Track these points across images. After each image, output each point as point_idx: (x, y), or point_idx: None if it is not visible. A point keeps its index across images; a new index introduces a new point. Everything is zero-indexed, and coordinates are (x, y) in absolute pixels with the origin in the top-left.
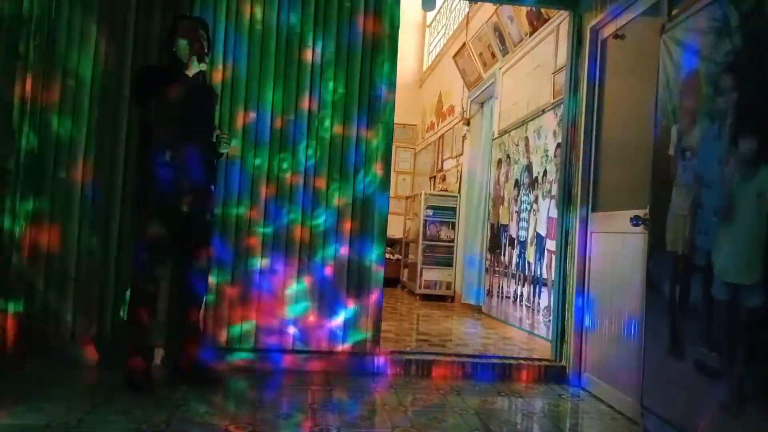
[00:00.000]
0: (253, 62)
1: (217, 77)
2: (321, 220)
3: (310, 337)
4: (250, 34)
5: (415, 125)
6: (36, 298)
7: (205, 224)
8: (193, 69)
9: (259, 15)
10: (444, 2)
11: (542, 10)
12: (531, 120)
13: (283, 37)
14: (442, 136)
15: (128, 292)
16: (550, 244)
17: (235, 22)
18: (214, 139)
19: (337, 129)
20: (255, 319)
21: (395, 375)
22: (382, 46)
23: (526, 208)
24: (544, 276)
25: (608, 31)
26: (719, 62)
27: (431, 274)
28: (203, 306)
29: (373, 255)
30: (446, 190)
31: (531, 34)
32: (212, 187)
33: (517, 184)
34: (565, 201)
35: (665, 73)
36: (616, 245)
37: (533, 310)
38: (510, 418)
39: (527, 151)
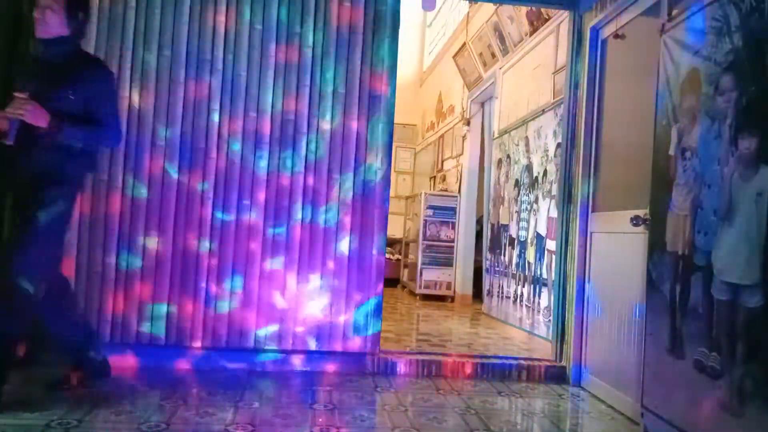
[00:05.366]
0: (252, 61)
1: (218, 76)
2: (320, 218)
3: (308, 337)
4: (250, 33)
5: (415, 125)
6: None
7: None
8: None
9: (258, 13)
10: (444, 2)
11: (542, 9)
12: (531, 120)
13: (283, 35)
14: (442, 136)
15: None
16: (550, 244)
17: (235, 22)
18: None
19: (338, 123)
20: (254, 318)
21: (395, 375)
22: (383, 33)
23: (526, 208)
24: (544, 276)
25: (608, 31)
26: (719, 62)
27: (431, 274)
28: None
29: (374, 255)
30: (446, 190)
31: (531, 33)
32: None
33: (517, 184)
34: (565, 201)
35: (665, 73)
36: (616, 245)
37: (533, 310)
38: (510, 418)
39: (527, 151)
